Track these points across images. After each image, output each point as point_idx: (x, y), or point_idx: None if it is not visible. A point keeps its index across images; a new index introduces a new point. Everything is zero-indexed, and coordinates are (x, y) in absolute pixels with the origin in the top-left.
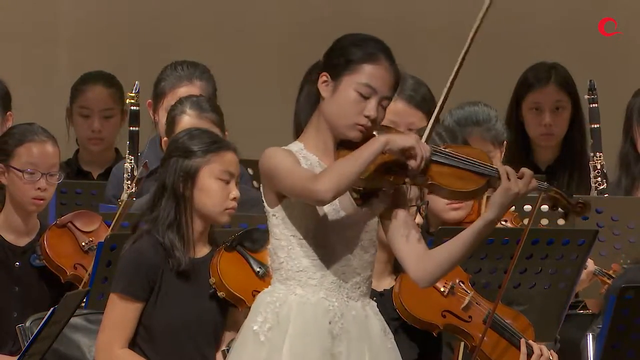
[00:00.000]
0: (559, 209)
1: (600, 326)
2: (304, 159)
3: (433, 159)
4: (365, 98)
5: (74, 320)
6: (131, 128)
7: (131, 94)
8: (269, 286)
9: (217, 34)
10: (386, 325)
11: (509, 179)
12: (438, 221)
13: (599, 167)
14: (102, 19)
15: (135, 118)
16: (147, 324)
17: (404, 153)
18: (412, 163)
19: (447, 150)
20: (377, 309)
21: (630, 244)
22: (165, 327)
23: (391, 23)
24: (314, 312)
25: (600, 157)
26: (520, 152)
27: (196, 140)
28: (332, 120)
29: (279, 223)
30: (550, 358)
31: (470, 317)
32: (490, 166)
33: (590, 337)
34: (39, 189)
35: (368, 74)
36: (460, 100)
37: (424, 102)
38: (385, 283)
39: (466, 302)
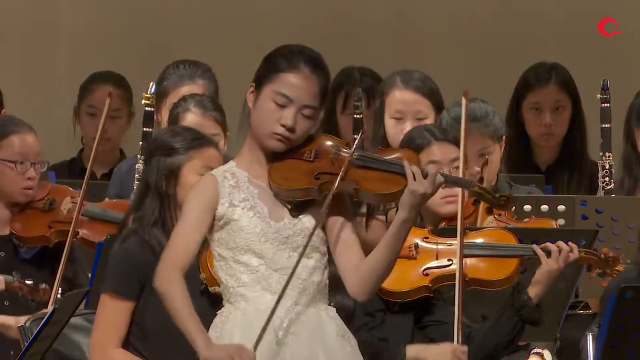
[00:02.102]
0: (484, 202)
1: (600, 326)
2: (231, 175)
3: (358, 164)
4: (282, 107)
5: (74, 320)
6: (145, 129)
7: (147, 95)
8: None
9: (217, 34)
10: (346, 329)
11: (414, 179)
12: (434, 216)
13: (607, 166)
14: (102, 19)
15: (149, 119)
16: (139, 323)
17: None
18: None
19: (372, 154)
20: (336, 314)
21: (630, 244)
22: (157, 325)
23: (391, 26)
24: (255, 322)
25: (609, 156)
26: (520, 152)
27: (178, 138)
28: (254, 130)
29: (215, 245)
30: (572, 251)
31: (449, 259)
32: (401, 165)
33: (590, 337)
34: (28, 178)
35: (285, 82)
36: (460, 100)
37: (432, 93)
38: None
39: (437, 250)
